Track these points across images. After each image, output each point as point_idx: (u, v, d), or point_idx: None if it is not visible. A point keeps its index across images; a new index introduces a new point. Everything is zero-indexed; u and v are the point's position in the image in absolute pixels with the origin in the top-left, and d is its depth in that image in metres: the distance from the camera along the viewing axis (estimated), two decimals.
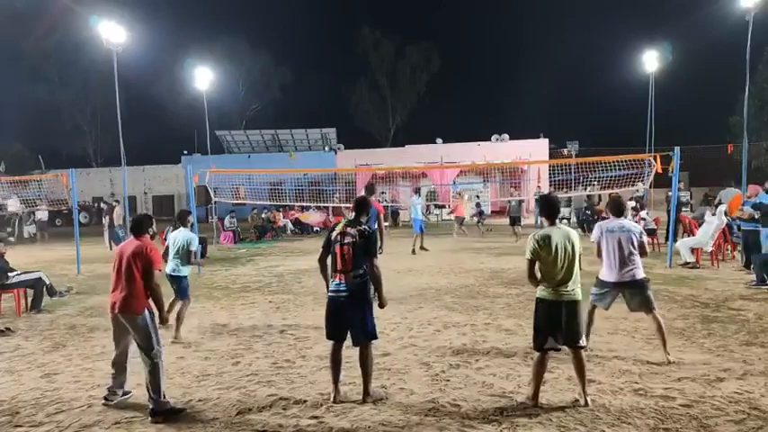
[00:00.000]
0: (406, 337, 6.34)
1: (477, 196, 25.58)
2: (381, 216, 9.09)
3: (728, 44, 21.36)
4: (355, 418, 4.18)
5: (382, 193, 23.69)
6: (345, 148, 33.87)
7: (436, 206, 28.00)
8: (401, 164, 27.39)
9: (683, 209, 15.40)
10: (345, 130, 39.10)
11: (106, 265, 12.58)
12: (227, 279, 11.07)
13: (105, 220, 18.01)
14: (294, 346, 6.16)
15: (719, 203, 11.51)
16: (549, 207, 4.46)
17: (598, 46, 67.12)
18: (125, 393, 4.65)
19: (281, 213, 22.02)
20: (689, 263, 10.70)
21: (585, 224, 17.76)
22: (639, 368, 5.05)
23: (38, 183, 17.66)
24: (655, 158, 11.90)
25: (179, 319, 6.50)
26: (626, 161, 14.39)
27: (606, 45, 63.25)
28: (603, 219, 15.78)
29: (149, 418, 4.26)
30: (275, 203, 21.32)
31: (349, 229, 4.46)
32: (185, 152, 35.47)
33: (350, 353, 4.68)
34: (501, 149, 29.19)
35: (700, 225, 11.80)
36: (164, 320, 4.72)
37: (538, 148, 29.50)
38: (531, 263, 4.32)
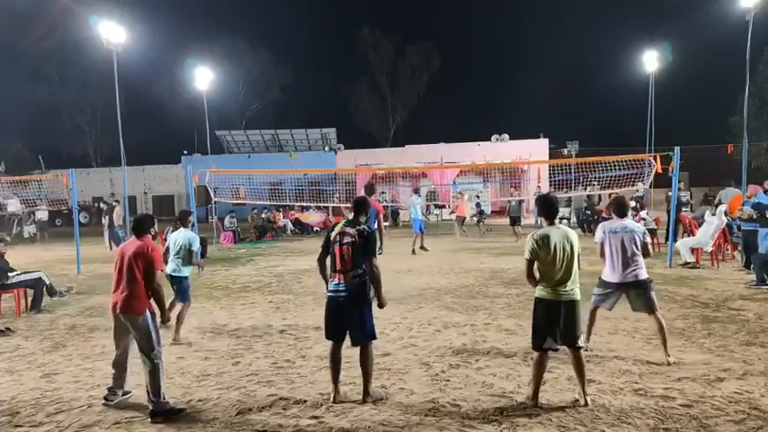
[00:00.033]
0: (406, 337, 6.34)
1: (477, 196, 25.59)
2: (381, 216, 9.09)
3: (728, 44, 21.37)
4: (355, 418, 4.18)
5: (382, 193, 23.68)
6: (345, 148, 33.88)
7: (436, 206, 28.00)
8: (401, 164, 27.38)
9: (683, 209, 15.41)
10: (345, 130, 39.18)
11: (106, 266, 12.59)
12: (227, 279, 11.07)
13: (105, 221, 18.02)
14: (294, 346, 6.16)
15: (719, 203, 11.51)
16: (547, 207, 4.47)
17: (598, 46, 67.14)
18: (125, 393, 4.65)
19: (280, 213, 22.01)
20: (689, 263, 10.71)
21: (585, 224, 17.76)
22: (639, 368, 5.05)
23: (38, 183, 17.67)
24: (655, 158, 11.91)
25: (179, 320, 6.48)
26: (626, 161, 14.41)
27: (606, 45, 63.27)
28: (604, 219, 15.78)
29: (149, 419, 4.26)
30: (275, 203, 21.33)
31: (348, 229, 4.46)
32: (185, 152, 35.48)
33: (350, 353, 4.68)
34: (501, 149, 29.18)
35: (700, 225, 11.80)
36: (165, 320, 4.72)
37: (538, 148, 29.51)
38: (530, 263, 4.32)
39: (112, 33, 15.79)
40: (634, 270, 5.21)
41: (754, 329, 6.29)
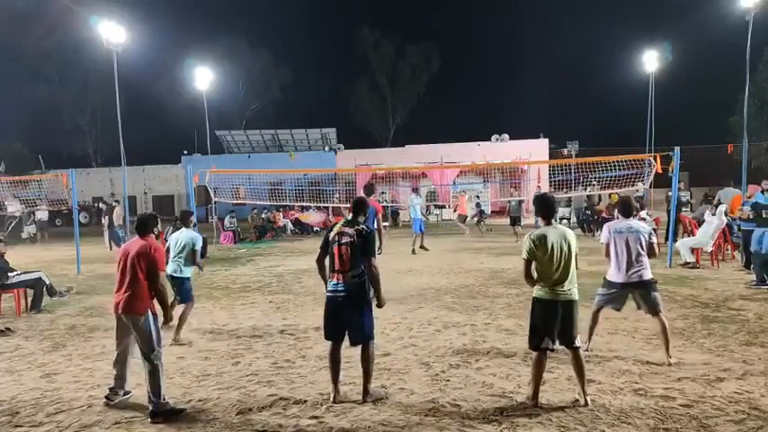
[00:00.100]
0: (406, 337, 6.34)
1: (477, 196, 25.60)
2: (380, 216, 9.08)
3: (728, 44, 21.41)
4: (355, 418, 4.18)
5: (382, 193, 23.69)
6: (345, 148, 33.89)
7: (436, 206, 28.00)
8: (401, 164, 27.39)
9: (683, 209, 15.41)
10: (345, 130, 39.22)
11: (106, 266, 12.60)
12: (227, 279, 11.07)
13: (105, 221, 18.01)
14: (294, 346, 6.16)
15: (719, 203, 11.51)
16: (544, 207, 4.47)
17: (598, 46, 67.24)
18: (126, 393, 4.65)
19: (280, 213, 22.02)
20: (689, 263, 10.71)
21: (585, 224, 17.77)
22: (639, 368, 5.05)
23: (38, 183, 17.67)
24: (655, 158, 11.92)
25: (181, 320, 6.44)
26: (626, 161, 14.41)
27: (606, 45, 63.42)
28: (604, 219, 15.78)
29: (149, 419, 4.25)
30: (275, 203, 21.32)
31: (347, 229, 4.46)
32: (185, 152, 35.50)
33: (350, 353, 4.68)
34: (501, 149, 29.19)
35: (700, 225, 11.80)
36: (168, 320, 4.71)
37: (538, 148, 29.52)
38: (528, 263, 4.31)
39: (112, 33, 15.82)
40: (638, 270, 5.20)
41: (754, 329, 6.29)
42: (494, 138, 30.74)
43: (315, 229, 22.15)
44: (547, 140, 30.70)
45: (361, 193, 8.80)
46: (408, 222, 18.69)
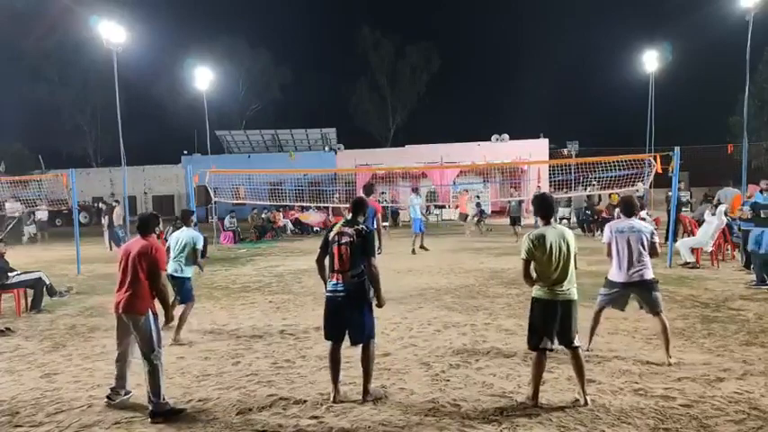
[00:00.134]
0: (406, 337, 6.34)
1: (478, 196, 25.58)
2: (379, 215, 9.09)
3: (728, 44, 21.42)
4: (355, 418, 4.18)
5: (382, 193, 23.68)
6: (345, 148, 33.88)
7: (436, 206, 28.00)
8: (401, 164, 27.38)
9: (683, 209, 15.41)
10: (345, 130, 39.21)
11: (106, 266, 12.61)
12: (227, 279, 11.07)
13: (105, 221, 18.01)
14: (294, 346, 6.16)
15: (718, 203, 11.51)
16: (543, 207, 4.48)
17: (598, 46, 67.30)
18: (126, 393, 4.65)
19: (280, 213, 22.02)
20: (689, 263, 10.70)
21: (585, 224, 17.76)
22: (639, 368, 5.05)
23: (38, 183, 17.67)
24: (655, 158, 11.91)
25: (182, 320, 6.45)
26: (626, 161, 14.40)
27: (606, 45, 63.50)
28: (604, 219, 15.74)
29: (149, 419, 4.25)
30: (275, 203, 21.32)
31: (346, 229, 4.46)
32: (185, 152, 35.49)
33: (349, 353, 4.68)
34: (501, 149, 29.18)
35: (700, 225, 11.80)
36: (169, 320, 4.71)
37: (538, 149, 29.50)
38: (527, 263, 4.31)
39: (112, 33, 15.81)
40: (640, 270, 5.20)
41: (754, 329, 6.29)
42: (494, 138, 30.73)
43: (315, 229, 22.15)
44: (547, 140, 30.68)
45: (360, 193, 8.80)
46: (408, 222, 18.69)
